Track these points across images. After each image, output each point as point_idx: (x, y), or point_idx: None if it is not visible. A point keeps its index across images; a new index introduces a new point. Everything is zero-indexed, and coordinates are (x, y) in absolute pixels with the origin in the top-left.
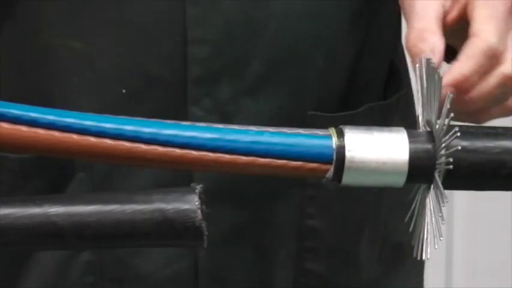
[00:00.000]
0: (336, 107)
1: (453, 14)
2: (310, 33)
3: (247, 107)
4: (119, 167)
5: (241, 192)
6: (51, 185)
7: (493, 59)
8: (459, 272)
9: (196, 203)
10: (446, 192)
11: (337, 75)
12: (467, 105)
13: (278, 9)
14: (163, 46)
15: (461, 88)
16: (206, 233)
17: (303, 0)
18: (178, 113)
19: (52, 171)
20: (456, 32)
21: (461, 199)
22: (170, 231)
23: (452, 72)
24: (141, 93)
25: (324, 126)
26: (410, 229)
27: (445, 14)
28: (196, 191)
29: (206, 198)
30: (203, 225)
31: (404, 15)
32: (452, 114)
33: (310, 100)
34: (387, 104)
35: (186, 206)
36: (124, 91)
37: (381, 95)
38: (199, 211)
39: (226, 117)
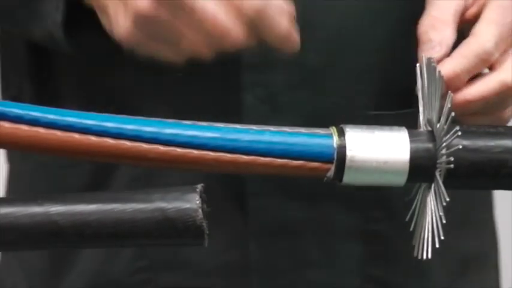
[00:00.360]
0: (392, 105)
1: (472, 10)
2: (370, 30)
3: (301, 100)
4: None
5: (302, 188)
6: (93, 175)
7: (485, 62)
8: None
9: (197, 202)
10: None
11: (394, 73)
12: (465, 107)
13: (339, 3)
14: None
15: (452, 86)
16: (207, 232)
17: None
18: (232, 100)
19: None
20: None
21: None
22: (171, 230)
23: (445, 69)
24: (197, 77)
25: (384, 123)
26: (411, 228)
27: (465, 10)
28: (197, 190)
29: (260, 186)
30: (204, 224)
31: (427, 3)
32: (453, 114)
33: (366, 98)
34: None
35: (187, 205)
36: (180, 75)
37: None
38: (200, 210)
39: (278, 109)
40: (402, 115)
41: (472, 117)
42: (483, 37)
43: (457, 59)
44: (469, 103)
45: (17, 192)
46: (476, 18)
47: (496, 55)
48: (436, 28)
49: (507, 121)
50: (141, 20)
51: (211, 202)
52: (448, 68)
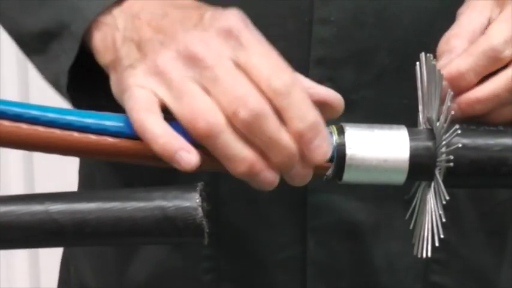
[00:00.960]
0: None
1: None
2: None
3: (370, 98)
4: None
5: (365, 191)
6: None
7: (494, 60)
8: None
9: (197, 201)
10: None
11: None
12: (477, 106)
13: (412, 3)
14: (289, 24)
15: (456, 85)
16: (207, 231)
17: None
18: None
19: None
20: None
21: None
22: (171, 228)
23: (449, 67)
24: None
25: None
26: (411, 227)
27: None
28: (197, 188)
29: (321, 183)
30: (204, 222)
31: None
32: (452, 112)
33: None
34: None
35: (187, 204)
36: None
37: None
38: (200, 208)
39: (346, 106)
40: None
41: (489, 116)
42: (492, 35)
43: (463, 58)
44: (479, 102)
45: None
46: None
47: (508, 53)
48: (448, 41)
49: None
50: (158, 72)
51: (275, 196)
52: (453, 67)
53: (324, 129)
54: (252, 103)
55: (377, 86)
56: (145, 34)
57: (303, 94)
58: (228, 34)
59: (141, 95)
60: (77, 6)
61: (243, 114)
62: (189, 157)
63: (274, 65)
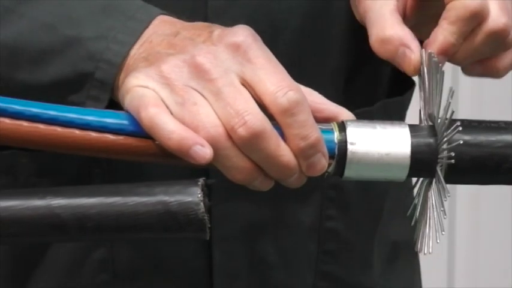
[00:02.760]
0: (350, 104)
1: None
2: (327, 32)
3: None
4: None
5: (261, 192)
6: (66, 184)
7: (476, 20)
8: (461, 267)
9: (199, 196)
10: (449, 186)
11: (352, 73)
12: (460, 63)
13: (299, 6)
14: None
15: (449, 53)
16: (209, 225)
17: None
18: None
19: (69, 169)
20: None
21: (463, 193)
22: (173, 223)
23: (438, 41)
24: None
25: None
26: (412, 223)
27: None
28: (199, 183)
29: (225, 194)
30: (206, 217)
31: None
32: (453, 109)
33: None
34: (402, 99)
35: (189, 199)
36: None
37: (388, 91)
38: (201, 203)
39: None
40: (357, 114)
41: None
42: None
43: (446, 29)
44: (462, 60)
45: None
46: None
47: (486, 10)
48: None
49: None
50: (161, 76)
51: None
52: (441, 39)
53: (324, 147)
54: (251, 121)
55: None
56: (154, 50)
57: (307, 113)
58: (236, 49)
59: (145, 93)
60: (92, 53)
61: (241, 131)
62: (203, 151)
63: (281, 81)
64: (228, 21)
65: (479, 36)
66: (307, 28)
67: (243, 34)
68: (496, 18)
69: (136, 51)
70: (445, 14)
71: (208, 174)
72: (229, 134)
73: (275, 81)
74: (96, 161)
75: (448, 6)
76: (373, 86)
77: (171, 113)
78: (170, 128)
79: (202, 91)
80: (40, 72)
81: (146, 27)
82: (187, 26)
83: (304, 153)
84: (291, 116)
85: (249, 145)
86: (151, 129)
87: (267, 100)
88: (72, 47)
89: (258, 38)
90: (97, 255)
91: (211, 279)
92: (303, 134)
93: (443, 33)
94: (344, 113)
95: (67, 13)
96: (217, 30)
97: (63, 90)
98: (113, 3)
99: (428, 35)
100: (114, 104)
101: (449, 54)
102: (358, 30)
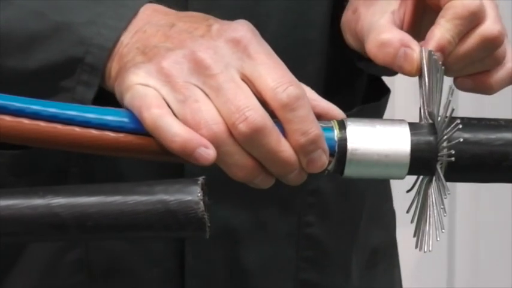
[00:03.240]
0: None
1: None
2: (306, 36)
3: None
4: (112, 164)
5: (239, 197)
6: (43, 183)
7: (473, 20)
8: (461, 265)
9: (199, 194)
10: (449, 184)
11: (330, 78)
12: (451, 67)
13: (279, 9)
14: None
15: (445, 50)
16: (209, 224)
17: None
18: None
19: (46, 168)
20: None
21: (463, 191)
22: (173, 222)
23: (435, 38)
24: None
25: None
26: (413, 221)
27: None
28: (199, 182)
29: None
30: (205, 216)
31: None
32: (454, 107)
33: None
34: (379, 105)
35: (189, 197)
36: None
37: (363, 97)
38: (201, 202)
39: None
40: None
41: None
42: None
43: (445, 27)
44: (453, 63)
45: None
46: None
47: (482, 12)
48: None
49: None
50: (162, 73)
51: None
52: (438, 37)
53: (324, 143)
54: (252, 117)
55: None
56: (150, 42)
57: (307, 108)
58: (236, 44)
59: (147, 92)
60: (82, 38)
61: (242, 127)
62: (207, 152)
63: (281, 77)
64: None
65: (474, 40)
66: (286, 31)
67: (242, 29)
68: (491, 24)
69: (129, 40)
70: (442, 13)
71: (183, 174)
72: (231, 131)
73: (275, 76)
74: (74, 160)
75: (447, 5)
76: (351, 91)
77: (173, 111)
78: (174, 131)
79: (203, 87)
80: (30, 59)
81: (136, 13)
82: (183, 17)
83: (305, 149)
84: (291, 111)
85: (250, 141)
86: (154, 131)
87: (267, 96)
88: (61, 32)
89: (257, 33)
90: (72, 256)
91: (183, 281)
92: (304, 129)
93: (440, 30)
94: (334, 111)
95: (55, 0)
96: (216, 24)
97: (53, 76)
98: None
99: None
100: (104, 94)
101: (445, 52)
102: (337, 37)
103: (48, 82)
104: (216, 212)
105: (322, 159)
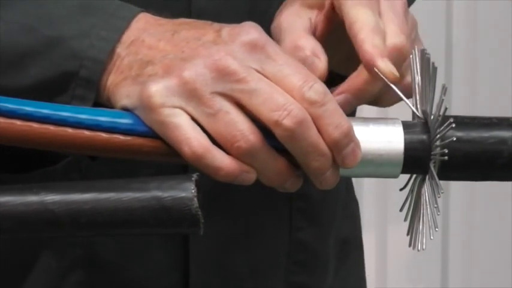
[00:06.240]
0: None
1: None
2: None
3: None
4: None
5: (232, 205)
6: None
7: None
8: (455, 263)
9: (193, 191)
10: (442, 183)
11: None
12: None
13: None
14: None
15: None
16: (202, 221)
17: None
18: None
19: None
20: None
21: (457, 189)
22: (167, 219)
23: (365, 53)
24: None
25: None
26: (406, 220)
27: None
28: (193, 179)
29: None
30: (199, 213)
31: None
32: (446, 107)
33: None
34: None
35: (183, 194)
36: None
37: None
38: (195, 199)
39: None
40: None
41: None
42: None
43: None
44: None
45: None
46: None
47: (407, 47)
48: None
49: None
50: (186, 88)
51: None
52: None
53: (355, 136)
54: (294, 111)
55: None
56: (156, 52)
57: (335, 102)
58: (253, 47)
59: (180, 123)
60: (75, 51)
61: (287, 122)
62: (249, 176)
63: (305, 75)
64: (207, 13)
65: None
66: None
67: (256, 31)
68: (394, 35)
69: (125, 50)
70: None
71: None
72: (273, 129)
73: (300, 76)
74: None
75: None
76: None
77: (204, 127)
78: (216, 165)
79: (232, 94)
80: (22, 76)
81: (129, 23)
82: (182, 24)
83: (339, 143)
84: (321, 107)
85: (295, 135)
86: (195, 163)
87: (295, 94)
88: (54, 47)
89: (266, 34)
90: (75, 277)
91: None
92: (336, 122)
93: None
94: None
95: (46, 14)
96: (224, 28)
97: (47, 92)
98: (91, 3)
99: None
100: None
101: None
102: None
103: (42, 98)
104: (212, 224)
105: (357, 153)
